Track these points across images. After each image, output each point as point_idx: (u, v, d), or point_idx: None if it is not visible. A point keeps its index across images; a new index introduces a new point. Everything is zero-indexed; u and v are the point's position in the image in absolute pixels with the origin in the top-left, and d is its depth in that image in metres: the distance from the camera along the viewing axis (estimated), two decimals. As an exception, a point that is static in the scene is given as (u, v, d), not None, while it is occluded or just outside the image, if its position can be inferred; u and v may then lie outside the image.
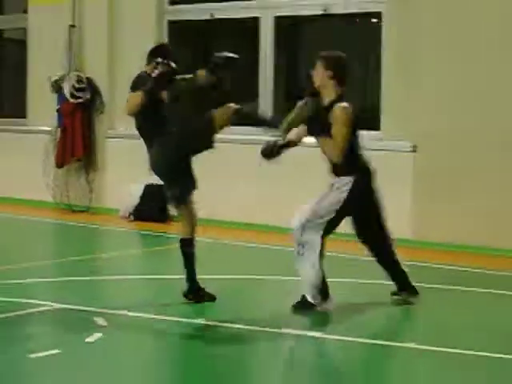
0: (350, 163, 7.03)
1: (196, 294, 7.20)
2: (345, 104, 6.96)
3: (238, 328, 6.52)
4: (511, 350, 6.02)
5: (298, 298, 7.05)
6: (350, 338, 6.31)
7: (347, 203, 6.97)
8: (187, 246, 7.24)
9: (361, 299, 7.58)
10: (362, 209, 7.17)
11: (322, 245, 7.02)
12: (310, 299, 7.00)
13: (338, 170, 7.06)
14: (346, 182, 6.99)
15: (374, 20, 10.86)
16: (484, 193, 9.61)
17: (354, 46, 11.01)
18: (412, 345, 6.09)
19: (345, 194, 6.97)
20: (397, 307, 7.37)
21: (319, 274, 6.98)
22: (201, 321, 6.69)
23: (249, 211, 11.05)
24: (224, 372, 5.60)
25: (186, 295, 7.21)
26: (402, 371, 5.79)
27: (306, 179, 9.70)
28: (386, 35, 10.49)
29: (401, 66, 10.23)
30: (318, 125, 7.04)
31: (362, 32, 11.55)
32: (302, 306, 7.04)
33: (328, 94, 7.04)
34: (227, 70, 7.27)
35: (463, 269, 8.90)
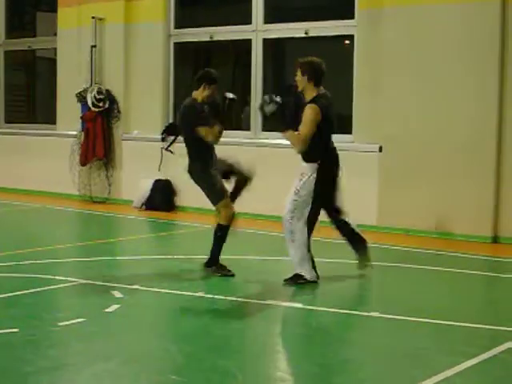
0: (316, 151, 6.85)
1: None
2: (313, 104, 6.80)
3: (234, 300, 6.55)
4: (451, 318, 6.09)
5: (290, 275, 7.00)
6: (331, 309, 6.38)
7: (317, 188, 6.82)
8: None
9: (335, 276, 7.55)
10: (328, 192, 7.00)
11: (310, 230, 6.89)
12: (301, 276, 6.93)
13: (305, 157, 6.89)
14: (314, 169, 6.81)
15: (347, 41, 10.92)
16: (433, 186, 9.66)
17: (330, 63, 11.04)
18: (376, 314, 6.11)
19: (314, 181, 6.81)
20: (364, 283, 7.39)
21: (309, 257, 6.91)
22: (200, 294, 6.68)
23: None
24: (221, 333, 5.62)
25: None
26: (369, 334, 5.82)
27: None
28: (357, 54, 10.54)
29: (369, 80, 10.29)
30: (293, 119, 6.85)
31: (337, 51, 11.59)
32: (292, 281, 6.97)
33: (308, 94, 6.91)
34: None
35: (417, 250, 8.91)
